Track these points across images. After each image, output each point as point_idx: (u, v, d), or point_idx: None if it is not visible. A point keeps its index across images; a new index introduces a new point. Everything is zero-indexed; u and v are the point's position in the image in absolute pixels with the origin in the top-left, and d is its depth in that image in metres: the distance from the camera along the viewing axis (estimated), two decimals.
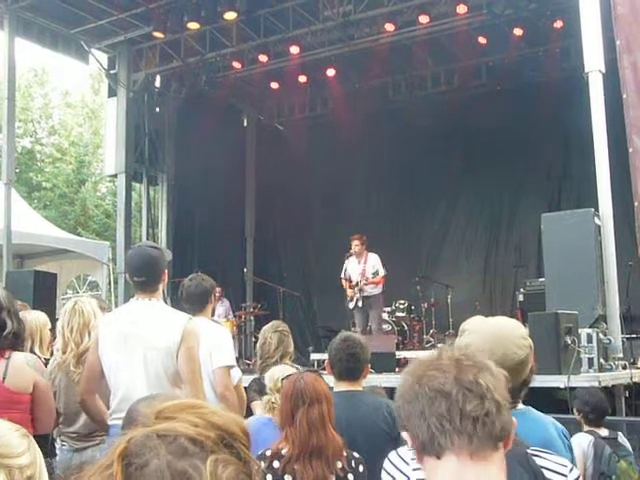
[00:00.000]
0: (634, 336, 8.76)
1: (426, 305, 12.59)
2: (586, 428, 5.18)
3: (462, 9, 11.63)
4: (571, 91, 10.63)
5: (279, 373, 4.17)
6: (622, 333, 7.74)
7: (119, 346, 3.67)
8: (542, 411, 2.36)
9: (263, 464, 2.98)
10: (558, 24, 12.15)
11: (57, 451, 4.21)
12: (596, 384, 6.30)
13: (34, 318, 4.53)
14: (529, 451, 1.85)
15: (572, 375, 6.35)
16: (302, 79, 14.63)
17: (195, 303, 4.71)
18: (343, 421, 3.31)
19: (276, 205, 16.26)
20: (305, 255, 16.05)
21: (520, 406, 2.23)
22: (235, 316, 12.75)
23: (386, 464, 1.93)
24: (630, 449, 5.25)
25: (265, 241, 16.59)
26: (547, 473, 1.81)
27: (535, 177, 13.95)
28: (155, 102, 14.58)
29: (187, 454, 0.79)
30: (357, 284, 10.54)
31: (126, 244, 12.88)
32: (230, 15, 12.04)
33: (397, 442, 3.25)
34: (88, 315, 4.23)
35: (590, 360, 6.96)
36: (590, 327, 7.16)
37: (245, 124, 16.89)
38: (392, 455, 1.94)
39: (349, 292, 10.66)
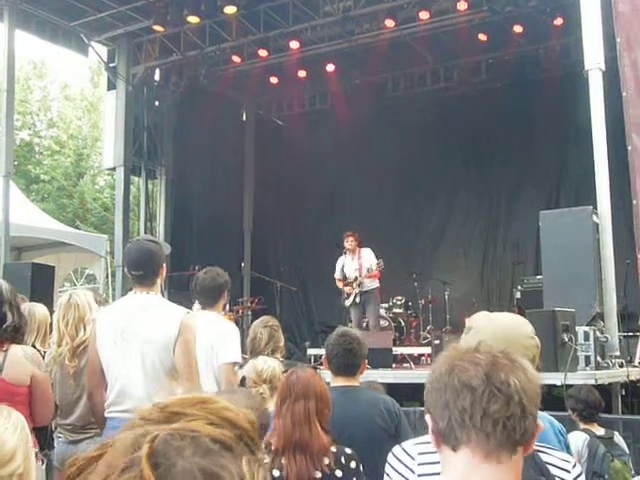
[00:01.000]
0: (631, 334, 8.74)
1: (423, 302, 12.58)
2: (582, 426, 5.18)
3: (462, 6, 11.61)
4: (571, 89, 10.62)
5: (262, 364, 4.18)
6: (619, 331, 7.77)
7: (116, 340, 3.66)
8: (539, 409, 2.36)
9: None
10: (558, 21, 12.15)
11: (54, 443, 4.22)
12: (593, 382, 6.31)
13: (41, 312, 4.54)
14: (534, 447, 1.85)
15: (569, 372, 6.37)
16: (301, 74, 14.62)
17: (208, 297, 4.70)
18: (340, 416, 3.30)
19: (274, 199, 16.25)
20: (302, 250, 16.02)
21: None
22: (232, 310, 12.73)
23: (390, 458, 1.93)
24: (625, 449, 5.25)
25: (263, 235, 16.58)
26: (551, 469, 1.82)
27: (534, 174, 13.94)
28: (154, 96, 14.55)
29: (211, 454, 0.77)
30: (356, 279, 10.49)
31: (124, 237, 12.88)
32: (230, 9, 12.02)
33: (394, 438, 3.26)
34: (83, 308, 4.22)
35: (587, 358, 6.97)
36: (587, 325, 7.18)
37: (244, 118, 16.81)
38: (397, 449, 1.94)
39: (347, 289, 10.57)
